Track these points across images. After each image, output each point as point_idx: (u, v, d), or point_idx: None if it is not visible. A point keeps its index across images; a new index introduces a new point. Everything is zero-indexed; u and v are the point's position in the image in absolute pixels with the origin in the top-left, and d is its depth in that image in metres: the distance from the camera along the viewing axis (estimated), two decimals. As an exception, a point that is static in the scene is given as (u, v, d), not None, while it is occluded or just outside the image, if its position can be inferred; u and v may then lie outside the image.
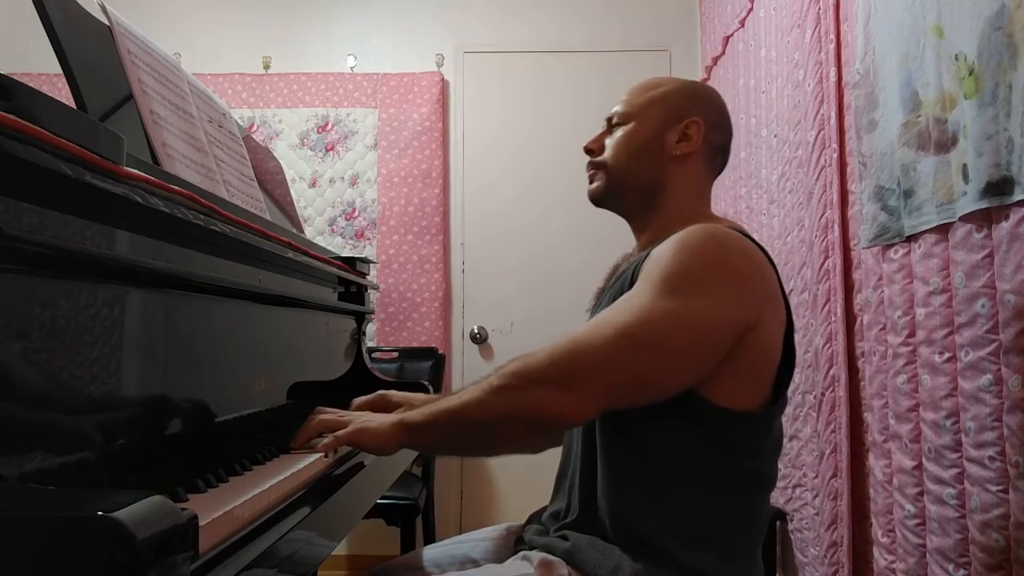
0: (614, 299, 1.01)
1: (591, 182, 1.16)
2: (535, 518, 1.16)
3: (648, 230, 1.13)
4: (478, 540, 1.21)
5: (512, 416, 0.94)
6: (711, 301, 0.93)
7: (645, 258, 1.01)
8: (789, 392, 0.96)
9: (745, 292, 0.96)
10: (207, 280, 0.99)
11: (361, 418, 1.05)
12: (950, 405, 1.26)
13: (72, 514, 0.50)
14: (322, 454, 1.02)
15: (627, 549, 0.96)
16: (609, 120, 1.16)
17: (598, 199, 1.16)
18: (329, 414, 1.09)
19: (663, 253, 0.97)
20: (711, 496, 0.98)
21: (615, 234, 1.39)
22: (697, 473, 0.98)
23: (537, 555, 1.01)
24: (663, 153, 1.11)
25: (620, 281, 1.05)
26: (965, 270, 1.19)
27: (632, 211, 1.15)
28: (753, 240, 1.03)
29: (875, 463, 1.58)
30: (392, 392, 1.30)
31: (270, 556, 0.73)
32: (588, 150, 1.16)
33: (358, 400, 1.27)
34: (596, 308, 1.13)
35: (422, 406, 1.02)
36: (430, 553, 1.19)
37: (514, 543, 1.14)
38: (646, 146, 1.11)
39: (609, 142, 1.14)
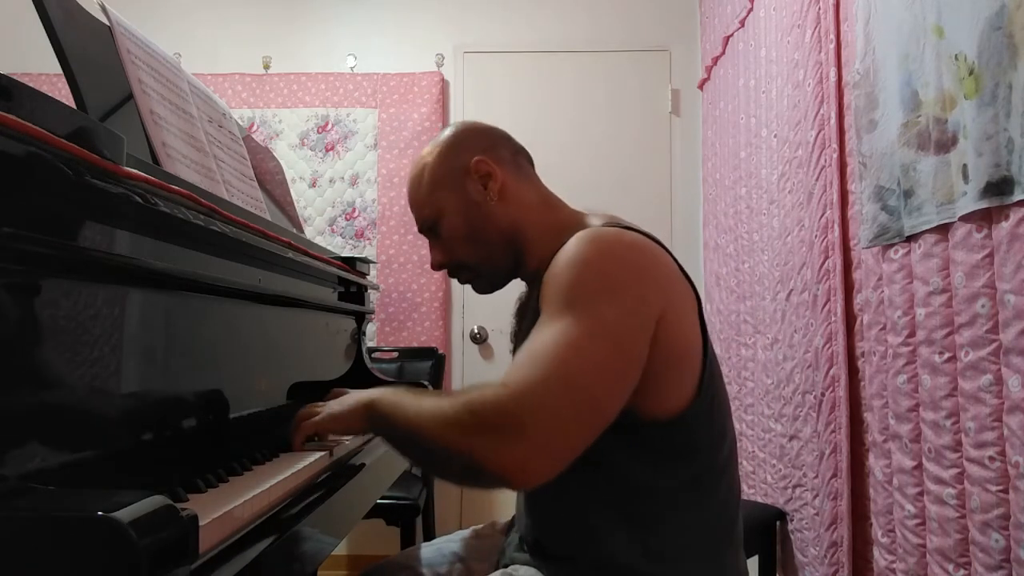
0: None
1: (475, 288, 1.15)
2: (514, 525, 1.17)
3: (530, 266, 1.09)
4: (467, 538, 1.22)
5: (457, 457, 0.83)
6: (620, 306, 0.88)
7: (541, 285, 0.97)
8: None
9: (646, 284, 0.92)
10: (207, 280, 0.99)
11: (333, 405, 1.05)
12: (950, 405, 1.26)
13: (72, 514, 0.50)
14: (325, 452, 1.06)
15: (598, 571, 0.96)
16: (424, 232, 1.13)
17: (494, 290, 1.14)
18: (304, 410, 1.09)
19: (556, 273, 0.93)
20: (671, 506, 0.95)
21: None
22: (652, 486, 0.95)
23: (526, 572, 1.00)
24: (486, 209, 1.07)
25: (529, 319, 1.00)
26: (965, 270, 1.19)
27: (516, 268, 1.11)
28: (632, 227, 1.00)
29: (875, 463, 1.58)
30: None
31: (270, 556, 0.74)
32: (439, 266, 1.13)
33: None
34: (516, 351, 1.08)
35: (405, 391, 0.96)
36: (422, 551, 1.20)
37: (497, 555, 1.15)
38: (470, 222, 1.08)
39: (446, 248, 1.11)
